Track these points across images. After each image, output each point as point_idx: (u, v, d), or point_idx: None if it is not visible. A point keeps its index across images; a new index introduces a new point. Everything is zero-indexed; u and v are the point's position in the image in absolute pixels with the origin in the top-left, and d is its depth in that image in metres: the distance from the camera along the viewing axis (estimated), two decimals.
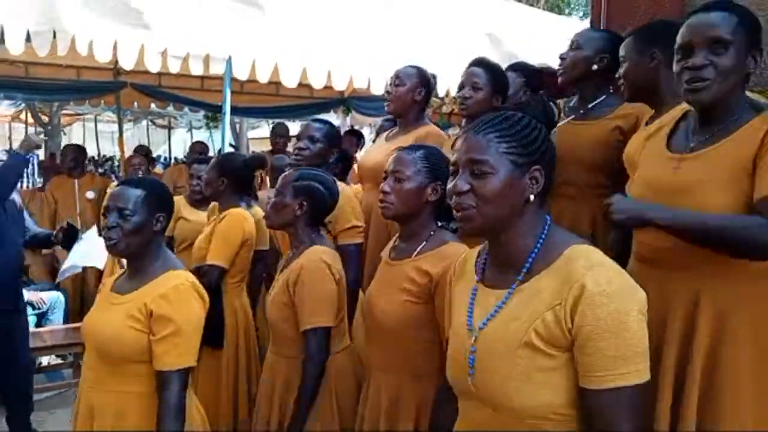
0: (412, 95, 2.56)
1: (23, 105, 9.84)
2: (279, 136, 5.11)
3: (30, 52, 4.63)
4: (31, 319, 4.10)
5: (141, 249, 1.71)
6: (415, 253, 1.67)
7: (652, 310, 1.07)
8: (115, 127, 12.75)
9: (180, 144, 14.06)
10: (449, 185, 1.15)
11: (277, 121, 6.37)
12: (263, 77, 4.08)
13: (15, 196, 3.04)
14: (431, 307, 1.60)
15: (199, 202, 3.25)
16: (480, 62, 2.41)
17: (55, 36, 3.43)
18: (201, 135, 12.35)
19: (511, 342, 1.07)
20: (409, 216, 1.69)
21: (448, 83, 4.42)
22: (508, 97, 2.42)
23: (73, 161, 4.95)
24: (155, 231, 1.73)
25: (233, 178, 2.66)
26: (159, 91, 6.75)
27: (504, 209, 1.10)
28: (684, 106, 1.57)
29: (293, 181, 1.99)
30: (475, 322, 1.15)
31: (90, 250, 3.41)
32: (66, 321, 4.41)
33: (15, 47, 3.38)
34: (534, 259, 1.11)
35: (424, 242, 1.68)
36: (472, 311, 1.17)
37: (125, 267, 1.84)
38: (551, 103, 2.49)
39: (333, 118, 9.86)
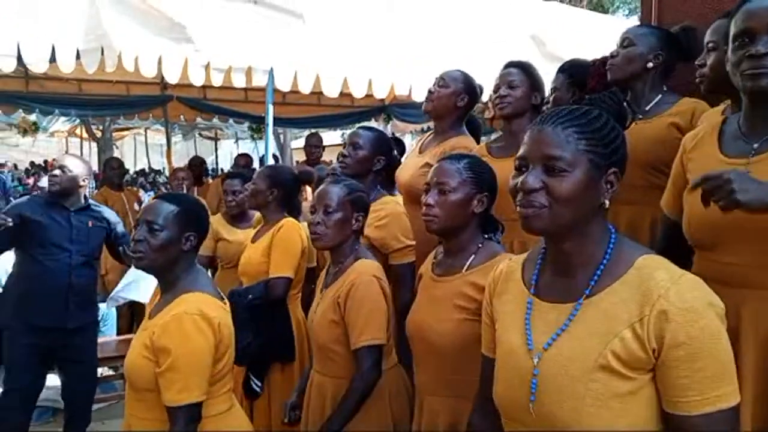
0: (455, 100, 2.44)
1: (78, 121, 10.21)
2: (313, 146, 5.08)
3: (81, 70, 4.78)
4: None
5: (167, 267, 1.64)
6: (466, 267, 1.57)
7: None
8: (163, 139, 13.10)
9: (227, 155, 14.31)
10: (513, 181, 1.04)
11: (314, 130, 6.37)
12: (305, 88, 4.06)
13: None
14: None
15: (236, 217, 3.23)
16: (512, 63, 2.31)
17: (102, 53, 3.49)
18: (246, 146, 12.53)
19: (585, 364, 0.96)
20: (455, 229, 1.59)
21: (491, 87, 4.31)
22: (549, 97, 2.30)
23: (118, 175, 5.05)
24: (184, 250, 1.64)
25: (283, 190, 2.61)
26: (204, 104, 6.87)
27: (577, 212, 1.00)
28: (720, 108, 1.42)
29: (347, 194, 1.87)
30: (536, 341, 1.03)
31: (141, 283, 3.37)
32: (118, 333, 4.48)
33: (66, 65, 3.45)
34: (605, 267, 1.01)
35: (473, 255, 1.57)
36: (530, 329, 1.05)
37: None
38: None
39: (374, 126, 9.88)
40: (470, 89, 2.48)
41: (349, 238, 1.90)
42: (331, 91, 4.15)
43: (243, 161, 5.37)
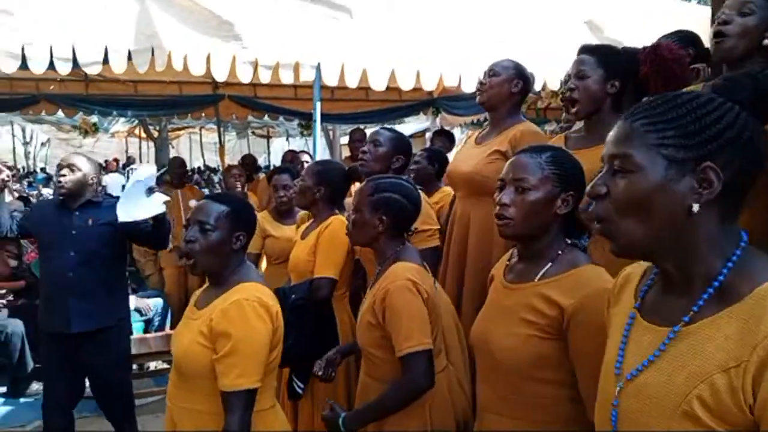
0: (509, 86, 2.34)
1: (136, 121, 10.52)
2: (357, 141, 5.00)
3: (136, 71, 4.88)
4: (139, 326, 4.28)
5: (218, 265, 1.67)
6: (538, 276, 1.37)
7: None
8: (217, 138, 13.37)
9: (279, 152, 14.48)
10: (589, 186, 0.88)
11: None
12: (352, 82, 3.99)
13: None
14: (563, 345, 1.30)
15: (282, 213, 3.19)
16: (586, 48, 2.09)
17: (153, 53, 3.52)
18: (297, 143, 12.63)
19: (667, 406, 0.80)
20: (534, 233, 1.39)
21: (544, 76, 4.14)
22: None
23: (178, 173, 5.15)
24: (234, 249, 1.68)
25: (331, 187, 2.55)
26: (254, 102, 6.94)
27: (652, 223, 0.82)
28: None
29: (369, 194, 1.82)
30: (625, 365, 0.88)
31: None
32: (172, 326, 4.56)
33: (118, 66, 3.50)
34: (715, 291, 0.82)
35: (550, 264, 1.37)
36: (624, 350, 0.90)
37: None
38: None
39: (422, 120, 9.74)
40: (522, 75, 2.38)
41: (381, 238, 1.82)
42: (378, 84, 4.06)
43: (290, 157, 5.36)
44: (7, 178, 2.95)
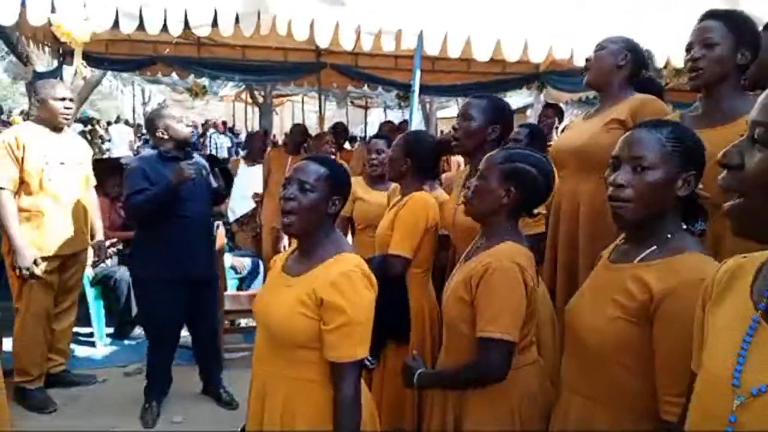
0: (614, 60, 2.14)
1: (243, 86, 10.87)
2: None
3: (245, 36, 4.95)
4: (233, 283, 4.42)
5: (313, 228, 1.63)
6: (639, 258, 1.28)
7: None
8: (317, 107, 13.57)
9: (377, 123, 14.49)
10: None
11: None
12: (455, 51, 3.82)
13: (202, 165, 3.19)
14: (648, 333, 1.21)
15: (374, 179, 3.12)
16: (713, 14, 1.86)
17: (259, 17, 3.52)
18: (393, 114, 12.57)
19: None
20: (651, 218, 1.28)
21: (666, 52, 3.76)
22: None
23: (297, 141, 5.19)
24: (329, 212, 1.65)
25: (419, 159, 2.43)
26: (354, 71, 6.89)
27: None
28: None
29: (500, 162, 1.68)
30: (746, 378, 0.77)
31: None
32: None
33: (226, 29, 3.54)
34: None
35: (654, 246, 1.27)
36: (744, 360, 0.78)
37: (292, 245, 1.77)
38: None
39: (526, 95, 9.31)
40: (631, 48, 2.16)
41: (501, 212, 1.69)
42: (482, 55, 3.86)
43: (387, 128, 5.28)
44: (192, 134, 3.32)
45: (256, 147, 5.79)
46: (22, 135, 3.11)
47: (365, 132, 14.07)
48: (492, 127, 2.20)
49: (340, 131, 5.78)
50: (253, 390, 1.69)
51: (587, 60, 2.22)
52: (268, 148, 5.77)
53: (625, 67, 2.16)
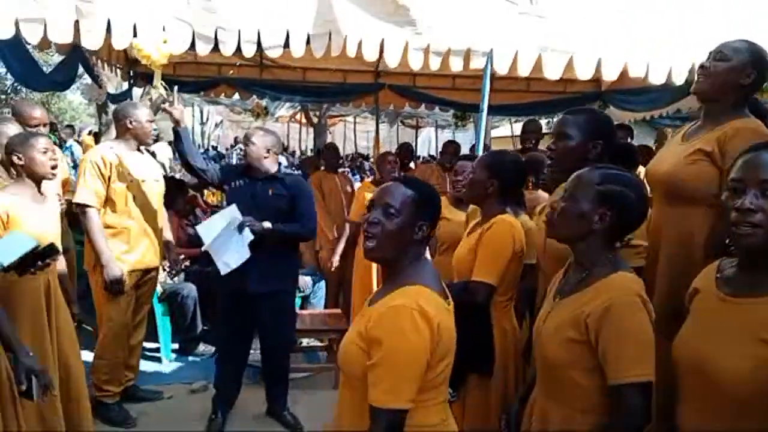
0: (737, 76, 1.91)
1: (299, 107, 11.01)
2: (530, 133, 4.66)
3: (304, 58, 4.97)
4: (296, 301, 4.37)
5: (396, 255, 1.50)
6: None
7: None
8: (370, 127, 13.63)
9: (425, 142, 14.45)
10: None
11: (526, 118, 5.91)
12: (524, 69, 3.71)
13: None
14: None
15: (460, 200, 3.04)
16: None
17: (330, 38, 3.51)
18: (445, 135, 12.49)
19: None
20: None
21: None
22: None
23: (333, 160, 5.20)
24: (415, 239, 1.50)
25: (505, 180, 2.29)
26: (412, 91, 6.86)
27: None
28: None
29: (596, 183, 1.54)
30: None
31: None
32: (326, 306, 4.61)
33: (297, 50, 3.54)
34: None
35: None
36: None
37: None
38: None
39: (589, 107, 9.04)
40: (759, 62, 1.93)
41: (592, 237, 1.54)
42: (553, 73, 3.74)
43: (452, 149, 5.16)
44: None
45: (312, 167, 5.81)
46: (107, 154, 3.18)
47: (415, 150, 14.04)
48: (593, 143, 2.01)
49: (406, 151, 5.73)
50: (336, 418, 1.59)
51: (702, 67, 2.00)
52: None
53: (747, 87, 1.94)
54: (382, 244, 1.47)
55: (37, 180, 2.59)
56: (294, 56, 3.61)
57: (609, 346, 1.40)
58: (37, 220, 2.52)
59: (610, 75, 3.80)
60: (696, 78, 2.03)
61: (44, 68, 4.92)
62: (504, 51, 3.66)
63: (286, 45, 3.54)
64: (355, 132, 14.01)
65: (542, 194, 3.15)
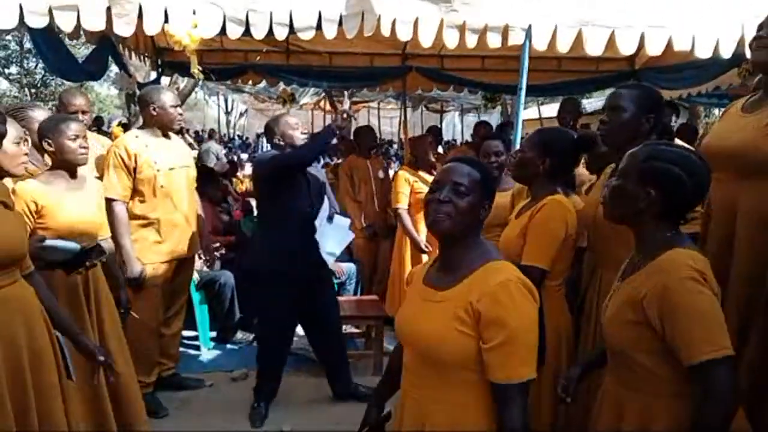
0: None
1: (323, 94, 10.91)
2: (568, 113, 4.49)
3: (330, 42, 4.86)
4: None
5: (464, 233, 1.48)
6: None
7: None
8: (393, 113, 13.50)
9: (449, 126, 14.25)
10: None
11: (563, 97, 5.71)
12: (563, 45, 3.54)
13: (320, 172, 3.14)
14: None
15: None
16: None
17: (363, 18, 3.39)
18: (470, 118, 12.30)
19: None
20: None
21: None
22: None
23: (368, 144, 5.09)
24: (480, 219, 1.51)
25: (557, 158, 2.17)
26: (441, 74, 6.70)
27: None
28: None
29: (641, 161, 1.46)
30: None
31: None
32: (361, 292, 4.54)
33: (330, 31, 3.42)
34: None
35: None
36: None
37: (434, 256, 1.61)
38: None
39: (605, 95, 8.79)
40: None
41: (643, 217, 1.47)
42: (595, 48, 3.56)
43: (483, 131, 5.02)
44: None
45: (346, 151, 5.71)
46: (131, 144, 3.09)
47: (441, 135, 13.88)
48: (646, 117, 1.97)
49: (434, 135, 5.60)
50: (407, 413, 1.51)
51: (759, 37, 1.86)
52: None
53: None
54: (455, 221, 1.45)
55: (70, 167, 2.52)
56: (326, 38, 3.50)
57: (675, 330, 1.33)
58: (74, 206, 2.46)
59: (654, 50, 3.61)
60: (754, 48, 1.89)
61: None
62: (543, 27, 3.50)
63: (318, 27, 3.43)
64: (380, 117, 13.87)
65: (583, 172, 3.02)
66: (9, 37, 12.62)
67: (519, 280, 1.40)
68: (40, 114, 2.76)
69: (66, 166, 2.49)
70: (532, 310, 1.40)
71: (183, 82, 8.10)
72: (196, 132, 14.92)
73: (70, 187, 2.51)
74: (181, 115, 3.21)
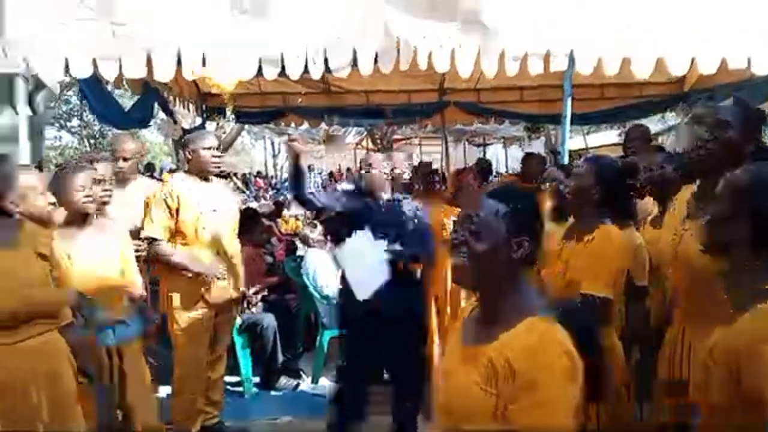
0: None
1: (365, 133, 10.96)
2: (635, 140, 4.05)
3: (369, 81, 4.79)
4: None
5: (491, 280, 1.26)
6: None
7: None
8: (433, 148, 13.40)
9: (492, 159, 14.02)
10: None
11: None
12: (611, 68, 3.34)
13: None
14: None
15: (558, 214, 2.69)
16: None
17: (399, 52, 3.29)
18: (513, 150, 12.08)
19: None
20: None
21: None
22: None
23: (427, 179, 4.88)
24: (513, 258, 1.25)
25: (608, 187, 2.02)
26: (479, 107, 6.57)
27: None
28: None
29: (744, 187, 1.27)
30: None
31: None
32: None
33: (365, 68, 3.34)
34: None
35: None
36: None
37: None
38: None
39: (655, 120, 8.39)
40: None
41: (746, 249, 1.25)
42: (643, 71, 3.34)
43: (535, 161, 4.74)
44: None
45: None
46: (175, 186, 3.05)
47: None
48: (751, 136, 1.75)
49: (484, 168, 5.37)
50: None
51: None
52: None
53: None
54: (474, 268, 1.25)
55: (81, 217, 2.47)
56: (362, 75, 3.41)
57: None
58: (86, 258, 2.41)
59: (706, 69, 3.36)
60: None
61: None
62: (587, 51, 3.31)
63: (355, 64, 3.35)
64: (421, 153, 13.76)
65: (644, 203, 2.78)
66: (71, 92, 13.24)
67: (557, 341, 1.18)
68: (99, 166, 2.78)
69: (77, 216, 2.44)
70: (570, 376, 1.16)
71: (228, 127, 8.24)
72: (243, 175, 15.22)
73: (86, 237, 2.45)
74: (217, 158, 3.10)
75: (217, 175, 3.31)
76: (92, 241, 2.48)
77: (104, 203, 2.75)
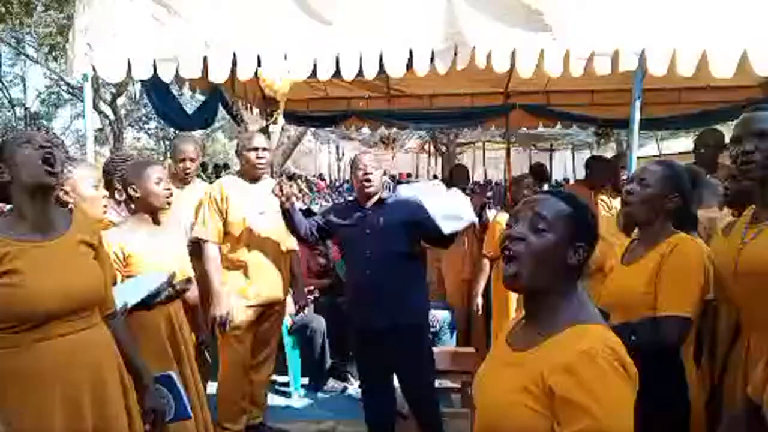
0: None
1: (427, 138, 10.86)
2: (708, 145, 3.74)
3: (431, 85, 4.67)
4: None
5: (545, 282, 1.18)
6: None
7: None
8: (499, 153, 13.12)
9: (561, 165, 13.57)
10: None
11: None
12: (686, 68, 3.07)
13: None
14: None
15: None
16: None
17: (456, 52, 3.17)
18: (583, 155, 11.60)
19: None
20: None
21: None
22: None
23: (461, 180, 4.81)
24: (570, 264, 1.18)
25: (683, 196, 1.86)
26: (547, 110, 6.31)
27: None
28: None
29: None
30: None
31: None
32: (456, 342, 4.18)
33: (421, 69, 3.23)
34: None
35: None
36: None
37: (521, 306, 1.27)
38: None
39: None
40: None
41: None
42: (724, 70, 3.06)
43: (612, 164, 4.47)
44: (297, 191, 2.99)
45: None
46: (224, 187, 3.06)
47: (550, 174, 13.24)
48: None
49: (539, 172, 5.14)
50: None
51: None
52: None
53: None
54: (528, 266, 1.17)
55: (153, 211, 2.48)
56: (417, 75, 3.31)
57: None
58: (153, 255, 2.40)
59: None
60: None
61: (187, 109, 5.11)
62: (659, 50, 3.07)
63: (410, 65, 3.26)
64: (484, 158, 13.49)
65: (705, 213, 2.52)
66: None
67: (611, 351, 1.08)
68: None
69: (150, 209, 2.46)
70: (623, 389, 1.07)
71: (293, 130, 8.36)
72: (306, 177, 15.54)
73: (151, 235, 2.45)
74: (260, 158, 3.07)
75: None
76: (157, 236, 2.49)
77: (169, 202, 2.78)
